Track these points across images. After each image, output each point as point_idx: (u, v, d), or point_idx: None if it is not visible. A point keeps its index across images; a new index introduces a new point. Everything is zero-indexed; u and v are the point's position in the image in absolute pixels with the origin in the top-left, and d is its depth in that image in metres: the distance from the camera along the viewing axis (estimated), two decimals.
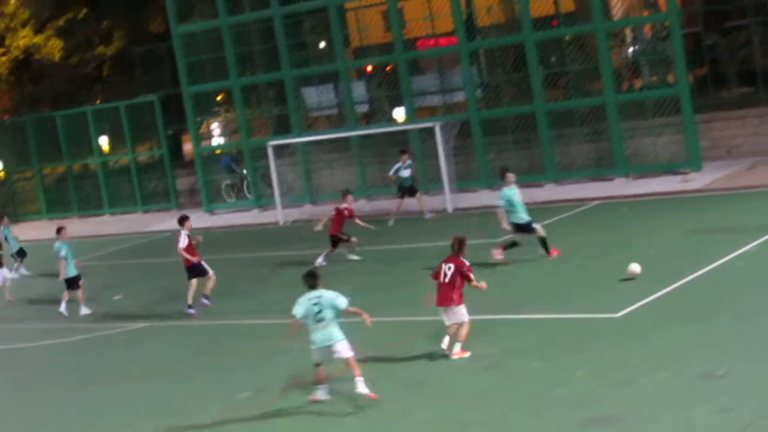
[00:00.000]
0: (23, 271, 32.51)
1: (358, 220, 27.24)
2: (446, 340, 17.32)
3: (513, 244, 23.58)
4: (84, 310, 25.74)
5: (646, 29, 35.93)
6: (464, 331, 17.30)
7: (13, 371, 21.94)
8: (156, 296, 26.52)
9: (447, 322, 17.36)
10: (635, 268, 20.60)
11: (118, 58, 46.83)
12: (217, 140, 43.41)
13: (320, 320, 15.81)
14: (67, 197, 46.09)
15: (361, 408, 15.62)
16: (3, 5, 46.06)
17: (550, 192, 32.69)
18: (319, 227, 27.01)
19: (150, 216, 42.40)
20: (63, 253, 25.58)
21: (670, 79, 33.18)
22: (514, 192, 23.70)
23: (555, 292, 20.77)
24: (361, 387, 15.73)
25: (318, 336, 15.89)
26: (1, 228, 32.19)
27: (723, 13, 37.08)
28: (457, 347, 17.24)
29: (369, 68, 40.39)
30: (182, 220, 24.28)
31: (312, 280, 16.11)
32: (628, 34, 37.10)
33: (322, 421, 15.50)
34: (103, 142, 45.50)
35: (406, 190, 31.43)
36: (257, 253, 30.47)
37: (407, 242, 28.17)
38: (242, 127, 39.46)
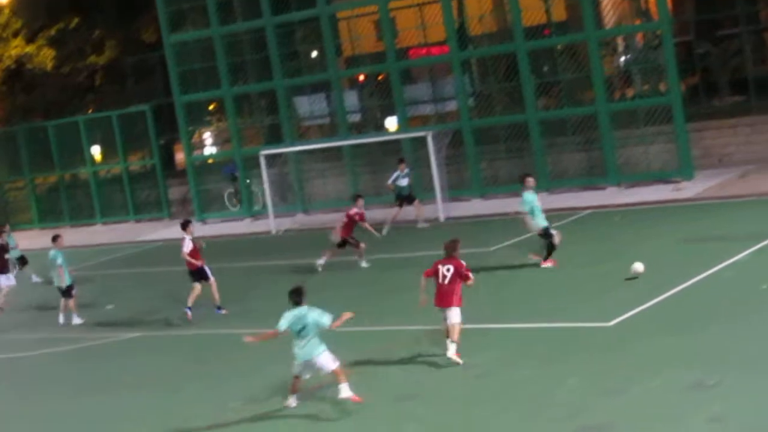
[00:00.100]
0: (34, 278, 32.35)
1: (367, 225, 27.25)
2: (452, 348, 17.20)
3: (551, 247, 23.53)
4: (76, 320, 25.71)
5: (638, 38, 35.99)
6: (456, 331, 17.26)
7: (13, 380, 21.94)
8: (148, 305, 26.46)
9: (447, 323, 17.32)
10: (639, 267, 20.80)
11: (110, 67, 46.88)
12: (209, 149, 43.38)
13: (303, 336, 15.89)
14: (59, 207, 46.04)
15: (348, 413, 15.69)
16: None
17: (542, 201, 32.21)
18: (337, 237, 27.00)
19: (142, 225, 42.36)
20: (60, 260, 25.53)
21: (662, 87, 33.18)
22: (535, 197, 23.77)
23: (547, 301, 20.77)
24: (345, 392, 15.79)
25: (300, 351, 15.97)
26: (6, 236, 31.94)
27: (714, 21, 37.22)
28: (453, 348, 17.20)
29: (361, 77, 40.40)
30: (185, 225, 24.36)
31: (297, 297, 16.13)
32: (620, 43, 37.16)
33: (315, 429, 15.50)
34: (95, 151, 45.40)
35: (405, 198, 31.52)
36: (250, 263, 30.45)
37: (399, 251, 28.15)
38: (234, 137, 39.47)
